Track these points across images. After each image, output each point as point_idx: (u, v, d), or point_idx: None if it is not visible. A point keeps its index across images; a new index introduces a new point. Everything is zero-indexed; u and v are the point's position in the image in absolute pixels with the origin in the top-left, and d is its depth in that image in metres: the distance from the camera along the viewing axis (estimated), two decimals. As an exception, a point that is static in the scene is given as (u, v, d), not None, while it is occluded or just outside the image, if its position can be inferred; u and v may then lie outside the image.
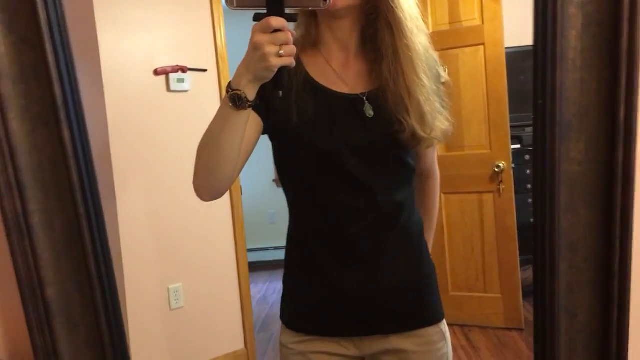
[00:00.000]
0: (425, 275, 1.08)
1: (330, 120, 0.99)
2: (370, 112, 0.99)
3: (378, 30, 0.97)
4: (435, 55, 1.03)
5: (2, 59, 0.76)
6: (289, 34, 0.77)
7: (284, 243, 1.11)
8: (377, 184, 1.00)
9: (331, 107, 0.99)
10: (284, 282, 1.13)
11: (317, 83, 1.01)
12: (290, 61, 0.78)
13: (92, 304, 0.85)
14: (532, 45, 0.78)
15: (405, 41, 0.95)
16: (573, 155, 0.79)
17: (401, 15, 0.95)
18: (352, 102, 1.00)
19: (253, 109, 0.88)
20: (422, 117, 0.96)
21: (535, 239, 0.82)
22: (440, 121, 0.99)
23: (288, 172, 1.06)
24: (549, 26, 0.76)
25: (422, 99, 0.95)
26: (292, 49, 0.77)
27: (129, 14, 2.53)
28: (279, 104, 0.97)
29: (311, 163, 1.00)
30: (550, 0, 0.76)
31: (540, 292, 0.83)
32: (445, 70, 1.08)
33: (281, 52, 0.76)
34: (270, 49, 0.76)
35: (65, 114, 0.79)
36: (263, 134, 1.02)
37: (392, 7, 0.94)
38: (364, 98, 1.00)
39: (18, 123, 0.79)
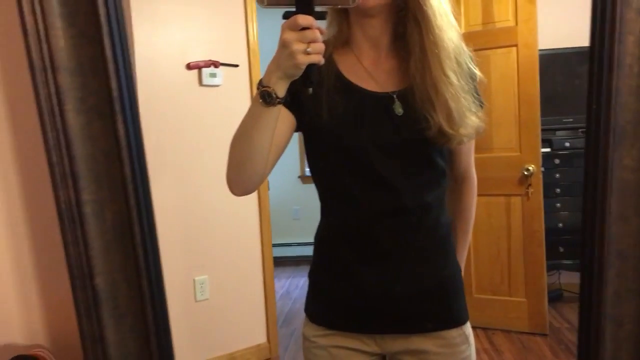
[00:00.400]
0: (449, 278, 1.08)
1: (359, 119, 0.99)
2: (399, 110, 0.99)
3: (407, 28, 0.97)
4: (469, 51, 1.03)
5: (61, 53, 0.78)
6: (317, 31, 0.77)
7: (307, 239, 1.13)
8: (404, 184, 1.00)
9: (361, 106, 1.00)
10: (309, 276, 1.14)
11: (348, 81, 1.01)
12: (318, 59, 0.78)
13: (139, 294, 0.86)
14: (589, 47, 0.77)
15: (433, 38, 0.95)
16: (626, 162, 0.77)
17: (429, 12, 0.94)
18: (382, 100, 1.00)
19: (285, 106, 0.89)
20: (449, 114, 0.95)
21: (584, 245, 0.81)
22: (470, 118, 0.98)
23: (318, 169, 1.07)
24: (607, 30, 0.75)
25: (448, 95, 0.95)
26: (320, 46, 0.78)
27: (164, 8, 2.56)
28: (310, 101, 0.97)
29: (339, 161, 1.01)
30: (608, 3, 0.75)
31: (586, 299, 0.82)
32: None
33: (309, 49, 0.76)
34: (298, 47, 0.76)
35: (121, 106, 0.80)
36: (296, 131, 1.02)
37: (420, 4, 0.94)
38: (394, 96, 1.00)
39: (74, 114, 0.80)
